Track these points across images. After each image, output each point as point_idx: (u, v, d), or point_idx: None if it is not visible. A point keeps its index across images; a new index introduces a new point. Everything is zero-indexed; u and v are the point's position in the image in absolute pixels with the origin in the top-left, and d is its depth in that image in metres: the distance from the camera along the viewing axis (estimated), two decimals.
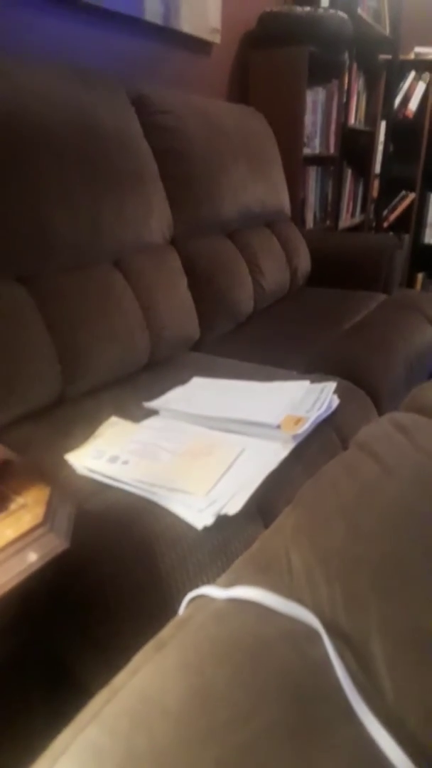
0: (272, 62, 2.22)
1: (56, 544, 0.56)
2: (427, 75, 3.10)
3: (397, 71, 3.01)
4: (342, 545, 0.54)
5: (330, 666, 0.43)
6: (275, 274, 1.96)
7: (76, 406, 1.14)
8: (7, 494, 0.62)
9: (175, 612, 0.70)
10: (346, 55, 2.54)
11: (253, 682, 0.40)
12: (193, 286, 1.57)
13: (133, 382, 1.29)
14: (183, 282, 1.54)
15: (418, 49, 3.10)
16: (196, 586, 0.74)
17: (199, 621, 0.47)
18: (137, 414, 1.10)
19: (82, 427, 1.03)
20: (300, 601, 0.48)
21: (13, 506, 0.60)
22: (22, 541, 0.55)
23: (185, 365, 1.39)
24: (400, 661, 0.44)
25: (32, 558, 0.54)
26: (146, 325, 1.34)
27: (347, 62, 2.57)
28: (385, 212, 3.31)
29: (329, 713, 0.40)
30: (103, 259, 1.32)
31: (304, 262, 2.18)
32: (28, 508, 0.60)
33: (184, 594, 0.72)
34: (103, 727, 0.37)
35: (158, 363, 1.40)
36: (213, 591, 0.50)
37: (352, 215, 3.12)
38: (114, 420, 1.06)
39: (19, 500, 0.61)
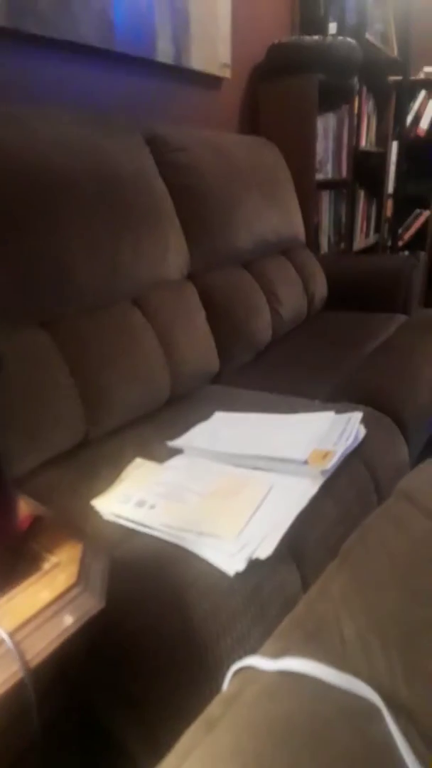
0: (282, 92, 2.25)
1: (92, 604, 0.56)
2: None
3: (407, 91, 3.04)
4: (397, 610, 0.53)
5: (393, 745, 0.41)
6: (292, 302, 1.96)
7: (100, 447, 1.15)
8: (40, 553, 0.62)
9: (210, 663, 0.70)
10: (356, 80, 2.56)
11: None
12: (211, 318, 1.58)
13: (156, 419, 1.29)
14: (201, 316, 1.55)
15: (427, 69, 3.12)
16: (230, 635, 0.74)
17: (250, 698, 0.45)
18: (161, 453, 1.10)
19: (107, 470, 1.03)
20: (355, 672, 0.46)
21: (46, 565, 0.60)
22: (58, 603, 0.55)
23: (206, 399, 1.40)
24: None
25: (68, 621, 0.54)
26: (166, 361, 1.35)
27: (357, 87, 2.59)
28: (399, 231, 3.31)
29: None
30: (122, 297, 1.34)
31: (320, 287, 2.18)
32: (61, 567, 0.60)
33: (218, 645, 0.72)
34: None
35: (179, 398, 1.40)
36: (260, 662, 0.48)
37: (366, 236, 3.12)
38: (139, 461, 1.07)
39: (53, 559, 0.61)
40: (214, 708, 0.45)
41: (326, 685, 0.45)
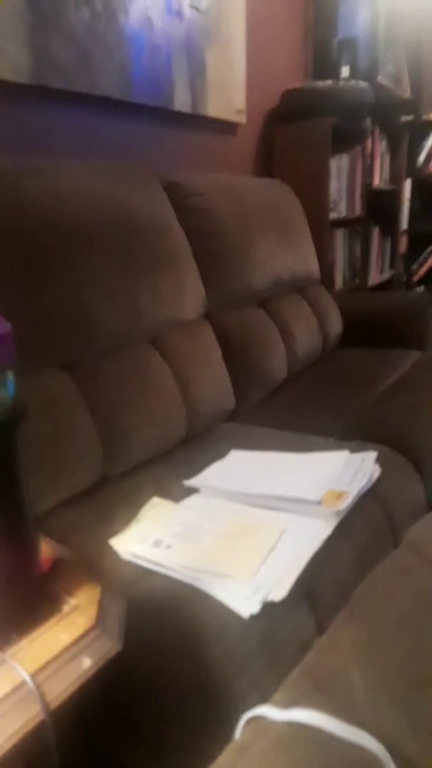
0: (296, 136, 2.32)
1: (109, 647, 0.58)
2: None
3: (419, 131, 3.11)
4: (404, 663, 0.53)
5: None
6: (307, 339, 1.99)
7: (118, 486, 1.17)
8: (60, 595, 0.64)
9: (222, 707, 0.71)
10: (368, 121, 2.63)
11: None
12: (227, 357, 1.61)
13: (172, 458, 1.31)
14: (217, 354, 1.58)
15: None
16: (244, 678, 0.75)
17: (261, 748, 0.45)
18: (178, 493, 1.12)
19: (125, 509, 1.05)
20: (363, 724, 0.46)
21: (66, 608, 0.62)
22: (77, 645, 0.57)
23: (222, 437, 1.42)
24: None
25: (87, 663, 0.56)
26: (183, 400, 1.38)
27: (369, 128, 2.65)
28: (414, 266, 3.35)
29: None
30: (140, 338, 1.38)
31: (335, 324, 2.21)
32: (81, 610, 0.62)
33: (231, 688, 0.73)
34: None
35: (195, 437, 1.43)
36: (271, 712, 0.49)
37: (381, 271, 3.16)
38: (155, 501, 1.09)
39: (72, 601, 0.63)
40: (226, 757, 0.45)
41: (334, 738, 0.46)
